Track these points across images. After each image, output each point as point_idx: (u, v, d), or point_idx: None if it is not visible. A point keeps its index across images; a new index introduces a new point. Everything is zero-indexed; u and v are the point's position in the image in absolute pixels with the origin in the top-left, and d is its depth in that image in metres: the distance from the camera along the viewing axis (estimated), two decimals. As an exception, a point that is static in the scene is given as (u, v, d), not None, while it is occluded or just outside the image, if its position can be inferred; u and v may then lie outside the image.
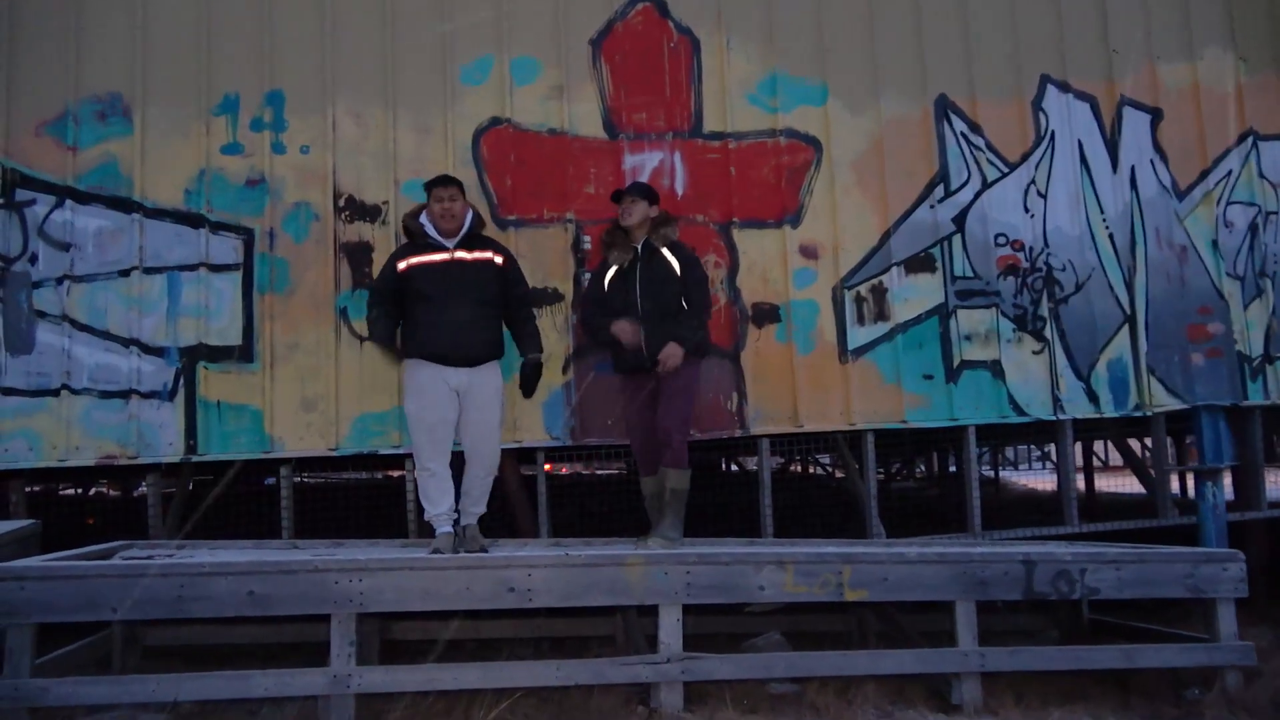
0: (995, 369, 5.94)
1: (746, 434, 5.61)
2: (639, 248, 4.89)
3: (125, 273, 5.13)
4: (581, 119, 5.65)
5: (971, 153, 6.09)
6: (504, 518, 5.59)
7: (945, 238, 5.98)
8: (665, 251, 4.87)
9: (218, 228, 5.23)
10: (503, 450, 5.39)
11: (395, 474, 6.91)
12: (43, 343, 5.03)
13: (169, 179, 5.22)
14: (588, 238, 5.53)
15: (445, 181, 4.68)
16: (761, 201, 5.77)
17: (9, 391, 4.97)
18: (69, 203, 5.12)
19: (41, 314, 5.04)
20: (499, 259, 4.72)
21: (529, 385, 4.78)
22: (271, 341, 5.20)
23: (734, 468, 10.96)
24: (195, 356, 5.14)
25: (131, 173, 5.19)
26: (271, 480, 6.55)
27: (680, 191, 5.69)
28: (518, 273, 4.84)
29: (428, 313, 4.54)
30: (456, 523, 4.58)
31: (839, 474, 9.28)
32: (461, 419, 4.59)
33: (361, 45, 5.47)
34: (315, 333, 5.26)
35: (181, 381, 5.12)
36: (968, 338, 5.94)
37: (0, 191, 5.07)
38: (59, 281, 5.07)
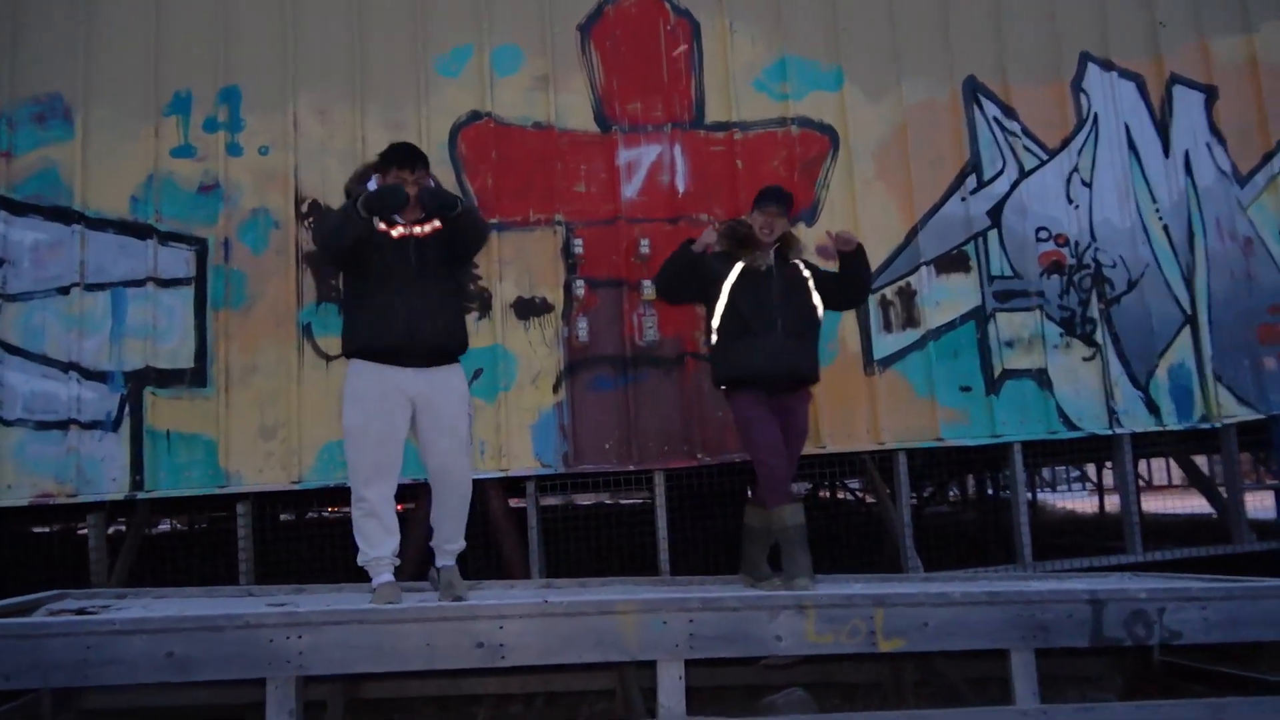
0: (1041, 378, 5.29)
1: (762, 456, 4.98)
2: (772, 253, 4.25)
3: (65, 290, 4.63)
4: (570, 111, 5.11)
5: (1006, 139, 5.49)
6: (490, 556, 4.99)
7: (980, 233, 5.37)
8: (800, 264, 4.31)
9: (167, 238, 4.73)
10: (488, 481, 4.85)
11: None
12: (-32, 369, 4.52)
13: (113, 186, 4.73)
14: (579, 241, 4.97)
15: (410, 160, 3.71)
16: (773, 197, 5.18)
17: (-66, 425, 4.47)
18: (2, 214, 4.62)
19: (-32, 337, 4.55)
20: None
21: (430, 197, 3.71)
22: (227, 363, 4.67)
23: (751, 494, 10.28)
24: (142, 381, 4.61)
25: (72, 180, 4.70)
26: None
27: (682, 188, 5.13)
28: (471, 217, 3.89)
29: (373, 298, 3.65)
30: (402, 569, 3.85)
31: (869, 499, 8.59)
32: (421, 437, 3.78)
33: (326, 36, 4.98)
34: (276, 352, 4.71)
35: (127, 410, 4.59)
36: (1009, 344, 5.30)
37: (-72, 205, 4.59)
38: (-10, 301, 4.58)
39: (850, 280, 4.32)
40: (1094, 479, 12.83)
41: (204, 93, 4.85)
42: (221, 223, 4.76)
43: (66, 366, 4.56)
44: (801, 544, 4.03)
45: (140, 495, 4.53)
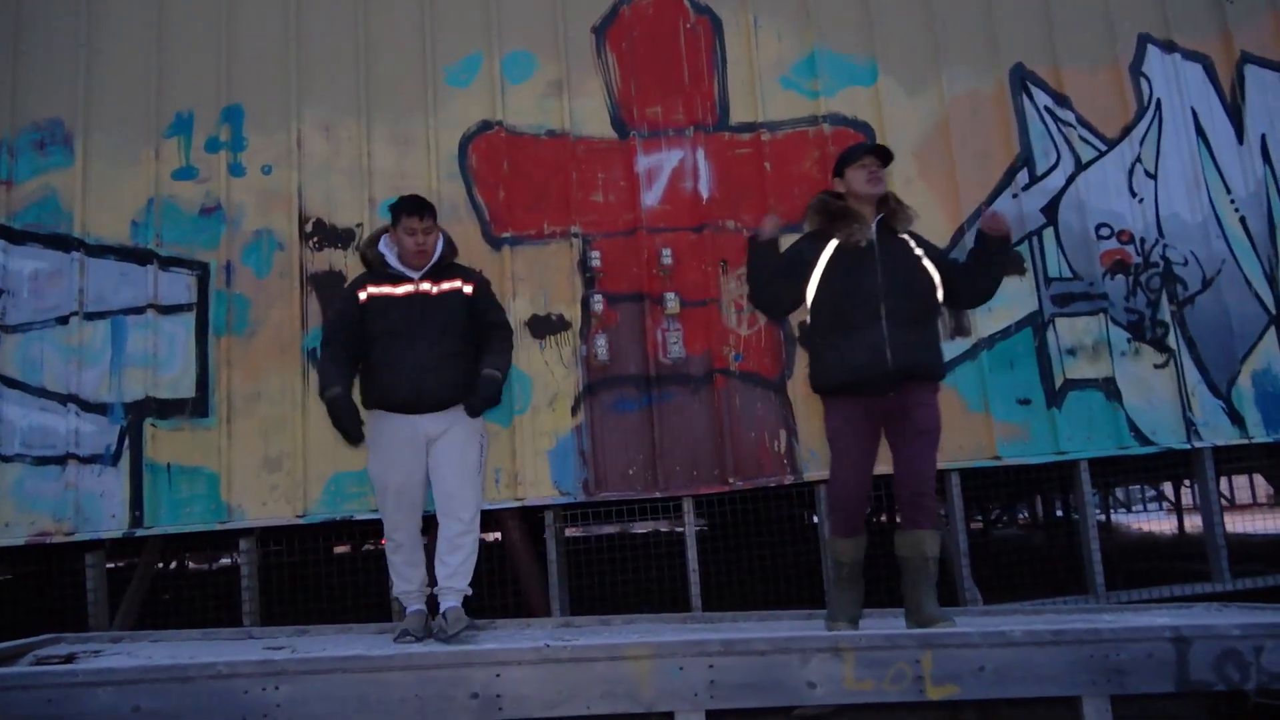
0: (1109, 389, 4.82)
1: (799, 480, 4.60)
2: (874, 225, 3.49)
3: (64, 320, 4.47)
4: (586, 117, 4.83)
5: (1059, 130, 5.05)
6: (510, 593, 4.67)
7: (1034, 232, 4.94)
8: (908, 239, 3.49)
9: (168, 263, 4.55)
10: (506, 510, 4.54)
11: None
12: (-33, 403, 4.37)
13: (114, 211, 4.57)
14: (596, 253, 4.66)
15: (419, 208, 3.70)
16: (804, 200, 4.76)
17: (-68, 461, 4.32)
18: (2, 243, 4.49)
19: (-33, 370, 4.40)
20: (468, 288, 3.82)
21: (475, 404, 3.71)
22: (229, 392, 4.45)
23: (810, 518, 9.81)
24: (142, 413, 4.41)
25: (72, 207, 4.56)
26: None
27: (706, 194, 4.80)
28: (489, 299, 3.92)
29: (387, 354, 3.68)
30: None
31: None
32: (429, 465, 3.71)
33: (331, 48, 4.79)
34: (280, 379, 4.48)
35: (126, 442, 4.39)
36: (1071, 351, 4.84)
37: (-70, 236, 4.48)
38: (-11, 333, 4.43)
39: (983, 273, 3.50)
40: (1171, 497, 12.04)
41: (206, 112, 4.68)
42: (223, 246, 4.57)
43: (65, 399, 4.38)
44: (913, 583, 3.48)
45: (139, 532, 4.31)
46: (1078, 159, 5.02)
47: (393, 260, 3.77)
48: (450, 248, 3.87)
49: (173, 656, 3.43)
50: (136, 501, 4.34)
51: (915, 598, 3.49)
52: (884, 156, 3.51)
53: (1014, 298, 4.84)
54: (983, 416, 4.72)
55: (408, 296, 3.72)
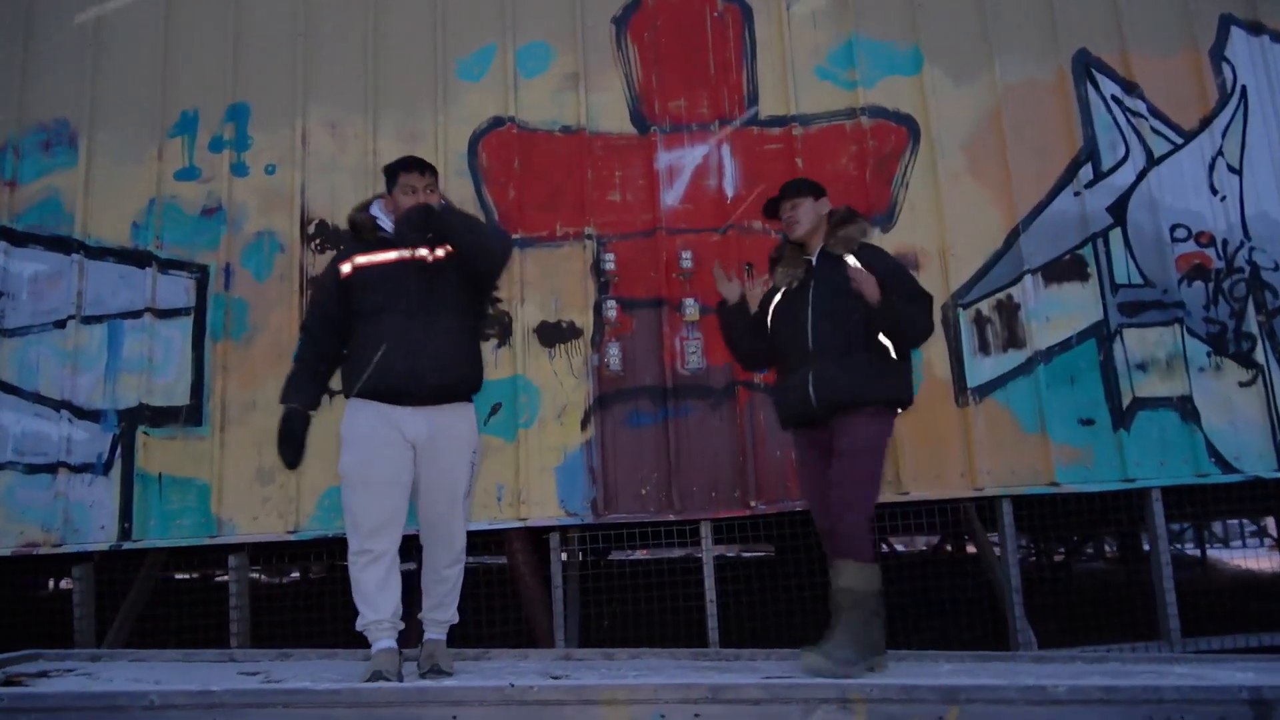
0: (1185, 408, 4.29)
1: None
2: (814, 259, 3.40)
3: (61, 323, 4.34)
4: (603, 112, 4.53)
5: (1129, 121, 4.56)
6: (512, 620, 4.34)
7: (1099, 233, 4.45)
8: (851, 260, 3.29)
9: (167, 266, 4.39)
10: (511, 530, 4.23)
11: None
12: (-33, 409, 4.26)
13: (115, 212, 4.44)
14: (610, 256, 4.35)
15: (421, 166, 3.32)
16: (840, 199, 4.39)
17: (-74, 469, 4.21)
18: (3, 245, 4.39)
19: (-31, 376, 4.29)
20: None
21: (400, 227, 3.25)
22: (224, 400, 4.25)
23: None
24: (135, 420, 4.24)
25: (74, 208, 4.44)
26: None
27: (731, 192, 4.45)
28: (464, 225, 3.38)
29: (375, 332, 3.18)
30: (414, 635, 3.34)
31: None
32: (416, 483, 3.25)
33: (340, 41, 4.60)
34: (277, 386, 4.11)
35: (118, 451, 4.22)
36: (1141, 367, 4.32)
37: (-65, 240, 4.41)
38: (-11, 337, 4.33)
39: (880, 315, 3.19)
40: (1275, 533, 11.07)
41: (211, 111, 4.53)
42: (223, 247, 4.39)
43: (59, 405, 4.24)
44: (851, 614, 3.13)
45: (126, 545, 4.13)
46: (1149, 153, 4.52)
47: (385, 222, 3.31)
48: None
49: (153, 680, 3.18)
50: (126, 513, 4.16)
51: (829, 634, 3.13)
52: (798, 189, 3.43)
53: (1075, 306, 4.36)
54: (1038, 438, 4.24)
55: (401, 264, 3.23)
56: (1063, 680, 2.79)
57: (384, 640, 3.16)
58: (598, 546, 4.36)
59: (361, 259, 3.26)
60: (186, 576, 4.83)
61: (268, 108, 4.53)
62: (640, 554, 6.56)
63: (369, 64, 4.56)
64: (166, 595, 4.71)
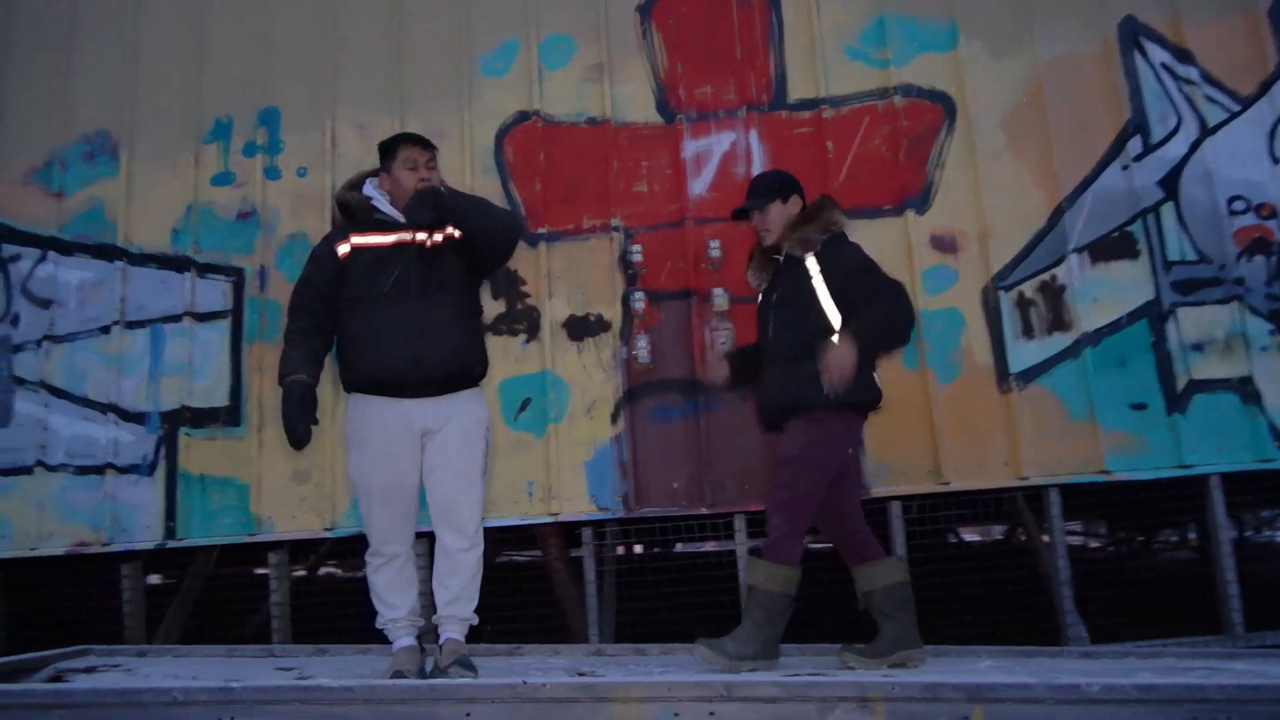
0: (1245, 390, 4.06)
1: (866, 495, 4.06)
2: (782, 258, 3.36)
3: (105, 329, 4.46)
4: (628, 102, 4.48)
5: (1180, 89, 4.33)
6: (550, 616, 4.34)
7: (1150, 208, 4.23)
8: (809, 261, 3.23)
9: (205, 270, 4.48)
10: (545, 525, 4.22)
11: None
12: (20, 413, 4.42)
13: (155, 219, 4.55)
14: (638, 247, 4.30)
15: (424, 142, 3.22)
16: (872, 183, 4.31)
17: (-20, 471, 4.38)
18: (51, 255, 4.55)
19: (20, 381, 4.45)
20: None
21: (413, 209, 3.12)
22: (261, 400, 4.32)
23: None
24: (177, 421, 4.34)
25: (116, 216, 4.56)
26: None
27: (760, 179, 4.34)
28: (470, 206, 3.28)
29: (372, 319, 3.07)
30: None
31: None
32: (424, 469, 3.14)
33: (365, 42, 4.63)
34: None
35: (162, 452, 4.32)
36: (1197, 347, 4.11)
37: (-16, 249, 4.58)
38: (38, 343, 4.47)
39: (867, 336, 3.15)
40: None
41: (244, 116, 4.61)
42: (258, 250, 4.47)
43: (106, 408, 4.37)
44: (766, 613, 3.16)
45: (170, 544, 4.23)
46: (1203, 122, 4.28)
47: (383, 204, 3.20)
48: None
49: (190, 675, 3.27)
50: (170, 512, 4.26)
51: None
52: (763, 191, 3.39)
53: (1123, 286, 4.16)
54: (1087, 424, 4.06)
55: (399, 247, 3.13)
56: (1098, 678, 2.66)
57: (404, 638, 3.19)
58: (629, 541, 4.30)
59: (359, 239, 3.16)
60: (232, 572, 4.91)
61: (298, 111, 4.58)
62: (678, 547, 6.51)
63: (395, 62, 4.58)
64: (220, 593, 4.83)
